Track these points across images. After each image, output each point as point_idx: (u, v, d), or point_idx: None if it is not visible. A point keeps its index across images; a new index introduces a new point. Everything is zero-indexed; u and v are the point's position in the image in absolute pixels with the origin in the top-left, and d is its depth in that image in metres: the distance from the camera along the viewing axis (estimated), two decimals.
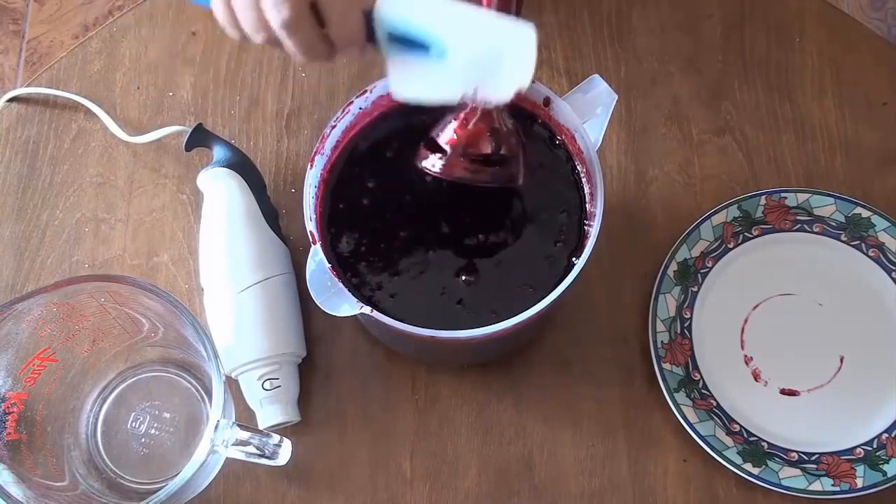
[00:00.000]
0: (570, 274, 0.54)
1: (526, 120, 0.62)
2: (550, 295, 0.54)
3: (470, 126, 0.55)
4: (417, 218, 0.60)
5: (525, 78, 0.53)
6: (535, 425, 0.65)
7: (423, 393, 0.66)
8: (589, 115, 0.58)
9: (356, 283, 0.58)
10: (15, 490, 0.55)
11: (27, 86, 0.76)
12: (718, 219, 0.68)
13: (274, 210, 0.68)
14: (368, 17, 0.51)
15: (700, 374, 0.65)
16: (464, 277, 0.58)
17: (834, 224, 0.68)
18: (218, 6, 0.51)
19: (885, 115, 0.74)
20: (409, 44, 0.52)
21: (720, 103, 0.74)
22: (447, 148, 0.56)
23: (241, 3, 0.50)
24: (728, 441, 0.63)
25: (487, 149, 0.55)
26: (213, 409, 0.54)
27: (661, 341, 0.65)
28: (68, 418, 0.64)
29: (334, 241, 0.59)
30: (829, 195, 0.69)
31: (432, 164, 0.56)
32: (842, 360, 0.66)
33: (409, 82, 0.54)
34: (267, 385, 0.63)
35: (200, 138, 0.69)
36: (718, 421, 0.64)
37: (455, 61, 0.52)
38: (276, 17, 0.49)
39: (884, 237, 0.68)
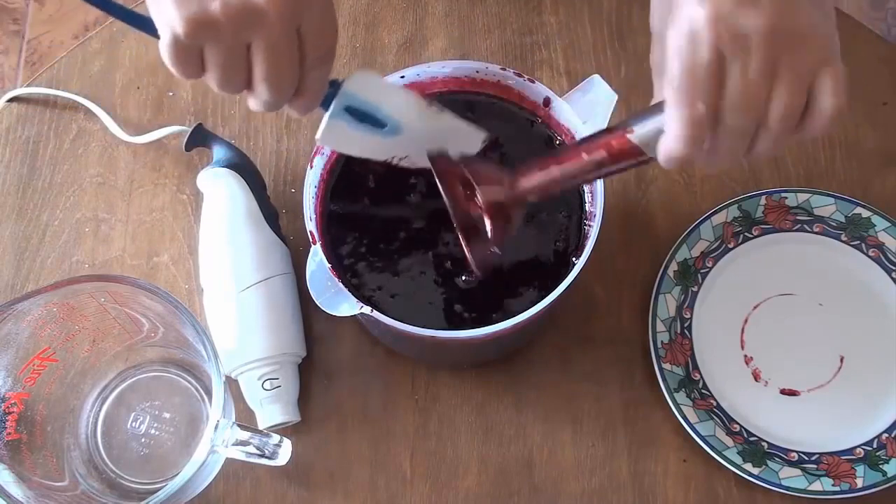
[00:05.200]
0: (570, 274, 0.54)
1: (526, 120, 0.62)
2: (550, 295, 0.54)
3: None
4: (418, 218, 0.60)
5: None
6: (535, 425, 0.65)
7: (422, 393, 0.66)
8: (589, 115, 0.58)
9: (356, 283, 0.58)
10: (15, 490, 0.55)
11: (27, 86, 0.75)
12: (718, 219, 0.68)
13: (274, 210, 0.68)
14: (332, 86, 0.51)
15: (700, 374, 0.65)
16: (464, 277, 0.58)
17: (834, 224, 0.68)
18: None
19: (885, 115, 0.74)
20: (362, 117, 0.53)
21: None
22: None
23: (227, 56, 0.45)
24: (728, 441, 0.63)
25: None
26: (213, 409, 0.54)
27: (661, 341, 0.65)
28: (68, 418, 0.64)
29: (334, 241, 0.59)
30: (829, 195, 0.69)
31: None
32: (842, 360, 0.66)
33: (343, 141, 0.55)
34: (267, 385, 0.63)
35: (200, 138, 0.69)
36: (718, 421, 0.64)
37: (404, 139, 0.54)
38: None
39: (884, 237, 0.68)
